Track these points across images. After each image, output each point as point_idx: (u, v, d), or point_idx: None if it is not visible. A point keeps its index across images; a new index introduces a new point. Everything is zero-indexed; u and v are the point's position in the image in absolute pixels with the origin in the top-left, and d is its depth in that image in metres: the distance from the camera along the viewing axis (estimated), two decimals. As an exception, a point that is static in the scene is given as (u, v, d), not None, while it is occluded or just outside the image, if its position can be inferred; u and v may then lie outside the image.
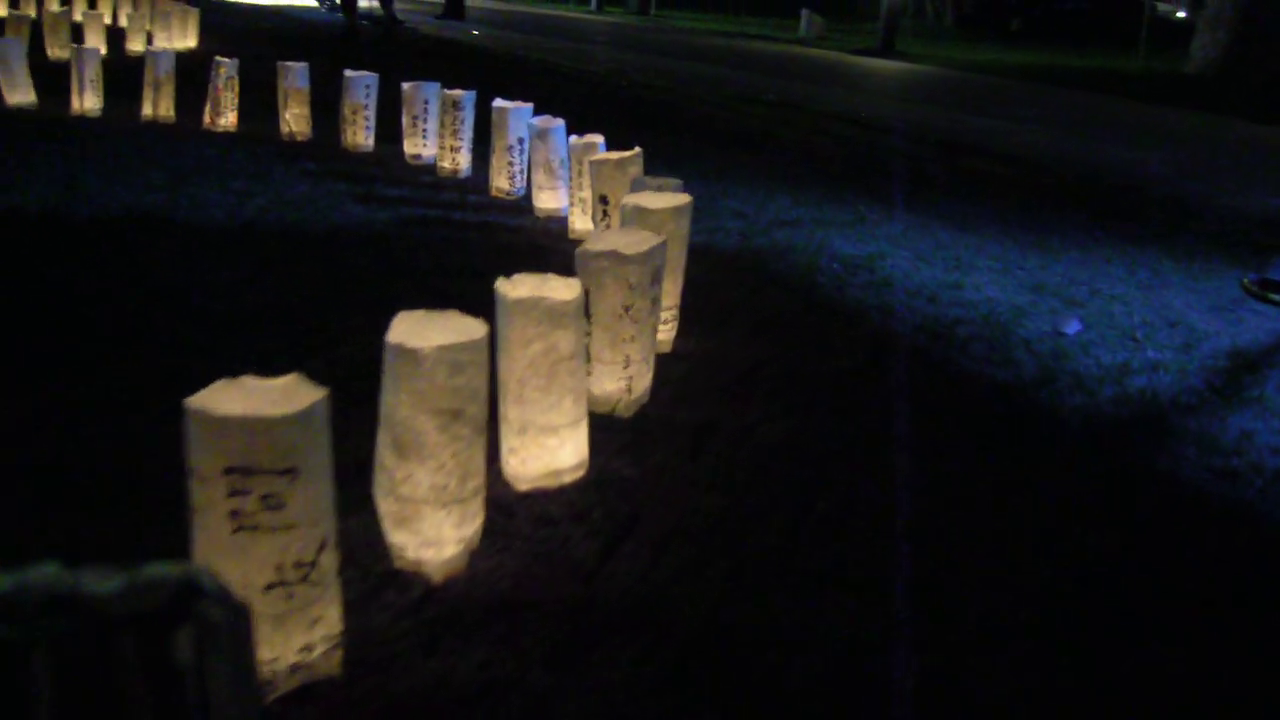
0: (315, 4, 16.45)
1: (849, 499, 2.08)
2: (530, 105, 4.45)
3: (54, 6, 8.22)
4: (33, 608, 0.50)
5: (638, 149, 3.38)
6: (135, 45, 8.23)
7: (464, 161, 4.81)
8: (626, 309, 2.20)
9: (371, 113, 5.21)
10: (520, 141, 4.40)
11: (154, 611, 0.53)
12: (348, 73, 5.11)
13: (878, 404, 2.60)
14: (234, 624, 0.56)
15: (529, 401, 1.94)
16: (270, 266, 3.26)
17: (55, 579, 0.52)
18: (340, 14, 13.81)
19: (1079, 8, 22.78)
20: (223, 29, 11.26)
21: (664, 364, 2.66)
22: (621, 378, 2.28)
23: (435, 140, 4.92)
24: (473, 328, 1.65)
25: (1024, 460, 2.35)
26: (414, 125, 4.99)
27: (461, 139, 4.78)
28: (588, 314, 2.18)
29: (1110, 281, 3.89)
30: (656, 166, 3.76)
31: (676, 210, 2.63)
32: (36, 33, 7.16)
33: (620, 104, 8.23)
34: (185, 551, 1.34)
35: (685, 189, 2.88)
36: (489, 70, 9.99)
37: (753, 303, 3.33)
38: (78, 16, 8.76)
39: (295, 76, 5.23)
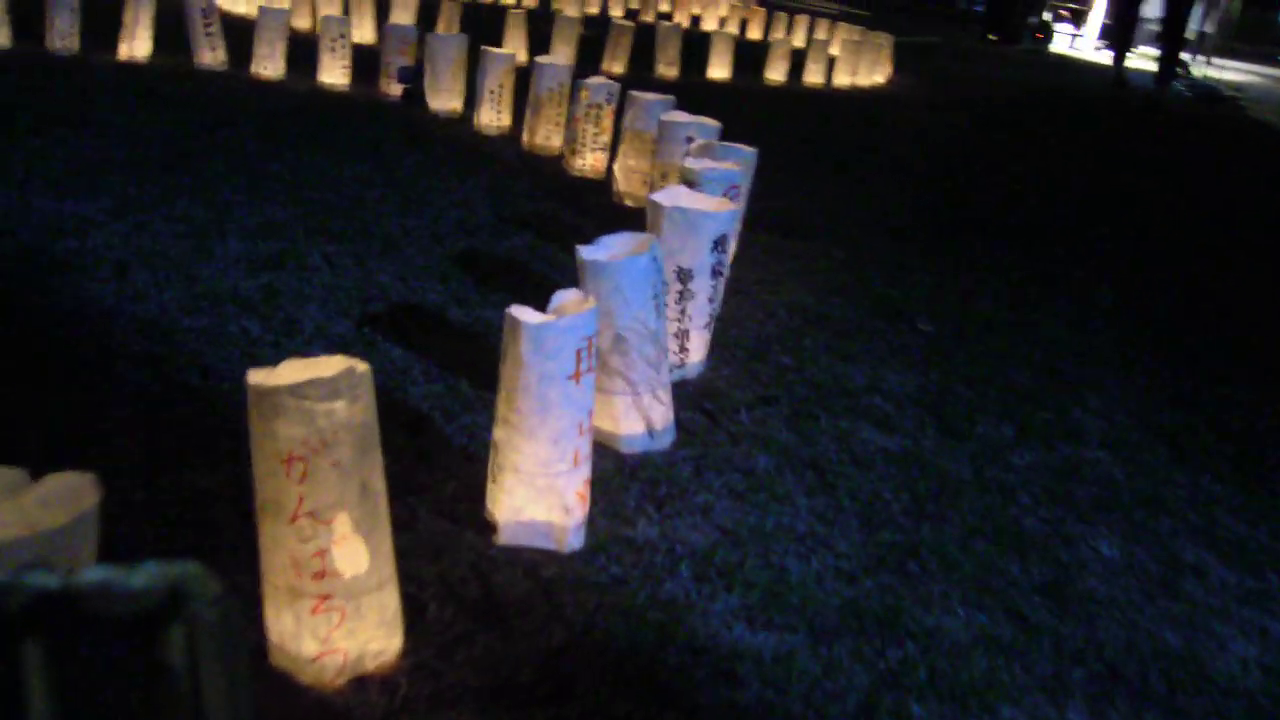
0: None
1: None
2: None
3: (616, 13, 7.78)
4: (23, 607, 0.47)
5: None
6: (774, 75, 7.38)
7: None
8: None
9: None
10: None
11: (146, 612, 0.49)
12: (664, 116, 3.40)
13: None
14: (227, 625, 0.51)
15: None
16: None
17: (45, 578, 0.49)
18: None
19: None
20: (925, 68, 9.86)
21: None
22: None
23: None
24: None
25: None
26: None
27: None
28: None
29: None
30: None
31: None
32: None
33: None
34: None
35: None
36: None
37: None
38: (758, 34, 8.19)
39: (641, 114, 3.67)
